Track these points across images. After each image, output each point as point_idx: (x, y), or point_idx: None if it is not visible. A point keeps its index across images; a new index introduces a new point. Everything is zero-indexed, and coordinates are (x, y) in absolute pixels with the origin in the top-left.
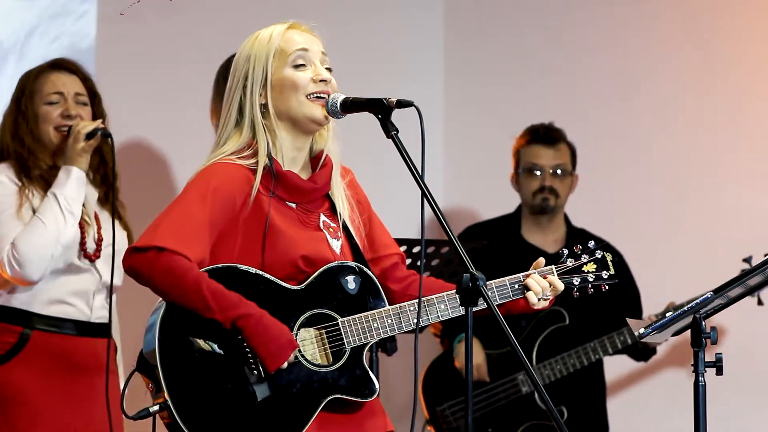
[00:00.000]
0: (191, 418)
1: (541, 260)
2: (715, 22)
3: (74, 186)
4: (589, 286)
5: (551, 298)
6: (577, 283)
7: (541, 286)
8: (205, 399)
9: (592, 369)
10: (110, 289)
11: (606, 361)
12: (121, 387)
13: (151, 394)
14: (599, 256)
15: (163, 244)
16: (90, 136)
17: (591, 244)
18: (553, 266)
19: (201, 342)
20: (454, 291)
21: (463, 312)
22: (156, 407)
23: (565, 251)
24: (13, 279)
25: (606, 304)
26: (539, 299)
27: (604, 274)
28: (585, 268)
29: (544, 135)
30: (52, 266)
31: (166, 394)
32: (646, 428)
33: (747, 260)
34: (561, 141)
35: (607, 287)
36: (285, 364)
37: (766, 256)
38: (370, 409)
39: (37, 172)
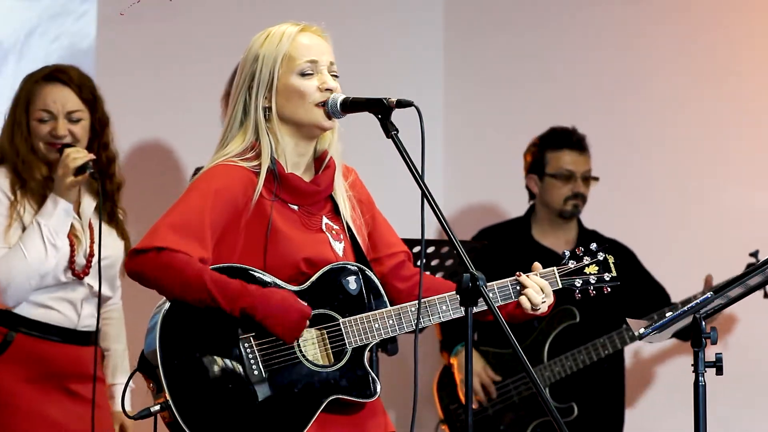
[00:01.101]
0: (192, 417)
1: (538, 264)
2: (717, 22)
3: (61, 217)
4: (591, 288)
5: (550, 303)
6: (579, 285)
7: (537, 283)
8: (206, 399)
9: (612, 367)
10: (98, 298)
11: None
12: (121, 390)
13: (152, 394)
14: (601, 258)
15: (162, 244)
16: (79, 170)
17: (593, 246)
18: (554, 267)
19: (202, 342)
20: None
21: (463, 313)
22: (157, 407)
23: (567, 253)
24: None
25: (618, 301)
26: (538, 304)
27: (606, 276)
28: (587, 270)
29: (578, 142)
30: (31, 293)
31: (167, 394)
32: (649, 428)
33: (754, 254)
34: (588, 147)
35: (609, 289)
36: (303, 334)
37: None
38: (372, 410)
39: (32, 183)
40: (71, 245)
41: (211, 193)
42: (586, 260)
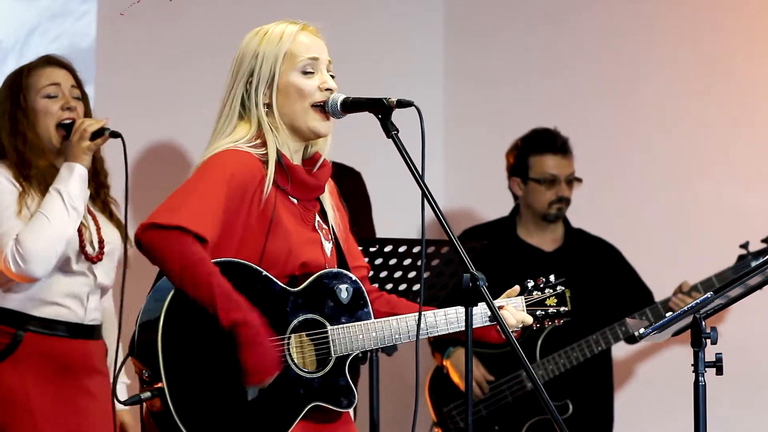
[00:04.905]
0: (184, 409)
1: (516, 288)
2: (714, 22)
3: (78, 183)
4: (548, 320)
5: (519, 330)
6: (539, 316)
7: (515, 319)
8: (199, 392)
9: (600, 363)
10: (122, 294)
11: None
12: (118, 386)
13: (141, 380)
14: (560, 291)
15: (184, 224)
16: (96, 135)
17: (552, 278)
18: (522, 297)
19: (201, 336)
20: (436, 312)
21: (439, 333)
22: (148, 394)
23: (530, 283)
24: (17, 276)
25: (609, 297)
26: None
27: (562, 310)
28: (548, 302)
29: (562, 146)
30: (55, 263)
31: (164, 383)
32: (647, 427)
33: (744, 246)
34: (571, 150)
35: (561, 322)
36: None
37: (763, 242)
38: (345, 419)
39: (35, 171)
40: (79, 232)
41: (227, 177)
42: (548, 292)
